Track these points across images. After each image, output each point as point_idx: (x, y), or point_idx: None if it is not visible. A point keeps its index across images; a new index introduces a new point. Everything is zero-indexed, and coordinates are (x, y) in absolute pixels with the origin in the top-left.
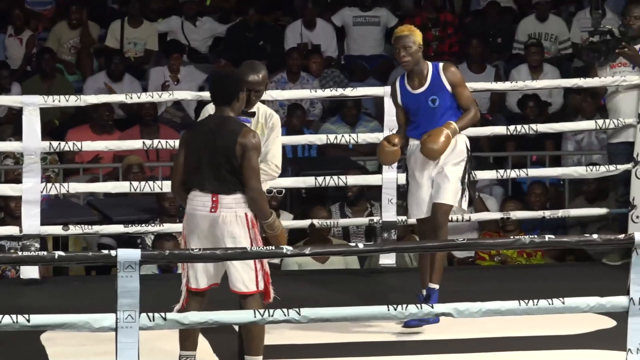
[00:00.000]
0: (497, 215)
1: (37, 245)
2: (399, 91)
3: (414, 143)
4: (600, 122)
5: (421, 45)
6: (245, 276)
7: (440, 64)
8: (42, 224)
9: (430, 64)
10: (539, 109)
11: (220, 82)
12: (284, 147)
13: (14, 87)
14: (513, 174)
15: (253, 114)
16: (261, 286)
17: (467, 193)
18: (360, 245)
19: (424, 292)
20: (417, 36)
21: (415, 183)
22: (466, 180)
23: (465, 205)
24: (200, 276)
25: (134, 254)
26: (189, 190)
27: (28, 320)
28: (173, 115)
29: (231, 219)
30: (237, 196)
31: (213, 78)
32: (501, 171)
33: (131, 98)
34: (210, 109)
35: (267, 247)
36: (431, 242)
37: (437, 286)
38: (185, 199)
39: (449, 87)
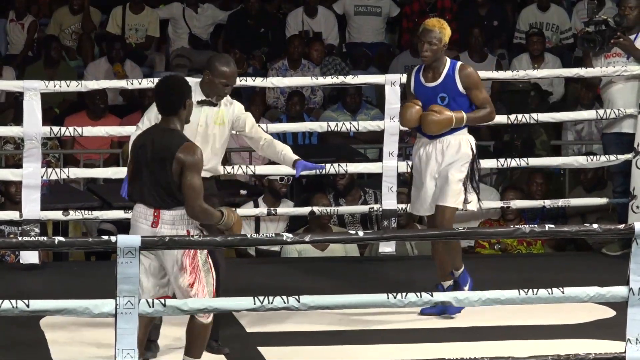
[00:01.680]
0: (497, 204)
1: (37, 230)
2: (413, 80)
3: (420, 139)
4: (600, 112)
5: (446, 44)
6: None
7: (458, 64)
8: (42, 209)
9: (448, 61)
10: (540, 98)
11: (165, 89)
12: (284, 134)
13: (7, 72)
14: (513, 163)
15: (214, 104)
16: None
17: (472, 195)
18: (361, 233)
19: (446, 283)
20: (445, 34)
21: (419, 179)
22: (469, 182)
23: (471, 206)
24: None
25: (134, 239)
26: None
27: (27, 306)
28: None
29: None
30: (178, 212)
31: (157, 85)
32: (501, 160)
33: (132, 84)
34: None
35: (265, 234)
36: (431, 230)
37: (461, 269)
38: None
39: (461, 88)
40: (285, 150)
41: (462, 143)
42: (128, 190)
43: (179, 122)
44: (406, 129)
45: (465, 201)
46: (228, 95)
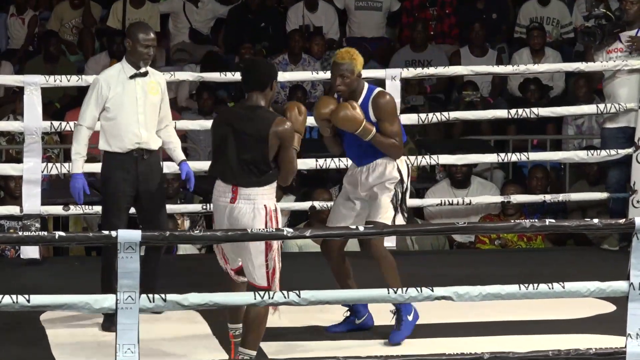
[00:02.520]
0: (497, 198)
1: (38, 225)
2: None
3: (352, 168)
4: (601, 106)
5: (360, 73)
6: (257, 273)
7: (376, 91)
8: (43, 204)
9: (366, 89)
10: (540, 93)
11: (255, 67)
12: None
13: (6, 67)
14: (514, 157)
15: (146, 74)
16: (272, 283)
17: (399, 216)
18: (361, 228)
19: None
20: (356, 65)
21: (342, 199)
22: (397, 203)
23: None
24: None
25: (134, 234)
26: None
27: (28, 301)
28: None
29: (247, 210)
30: (259, 188)
31: (247, 63)
32: (502, 155)
33: None
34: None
35: (267, 229)
36: (432, 225)
37: None
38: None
39: (373, 118)
40: (176, 145)
41: (388, 166)
42: (210, 167)
43: (264, 100)
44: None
45: (394, 220)
46: (151, 68)
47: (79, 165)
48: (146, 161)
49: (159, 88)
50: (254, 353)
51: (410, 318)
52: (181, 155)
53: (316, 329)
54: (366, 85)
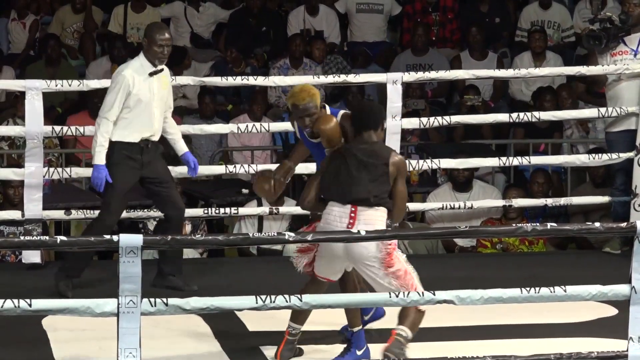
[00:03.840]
0: (499, 202)
1: (40, 229)
2: (299, 133)
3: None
4: (603, 110)
5: (322, 105)
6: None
7: (340, 114)
8: (44, 208)
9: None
10: (556, 102)
11: (370, 109)
12: (287, 134)
13: (7, 71)
14: (515, 161)
15: (162, 70)
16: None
17: None
18: (362, 232)
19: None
20: (316, 99)
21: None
22: None
23: None
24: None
25: (136, 239)
26: (325, 202)
27: (30, 305)
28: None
29: (370, 245)
30: (378, 211)
31: (361, 105)
32: (503, 158)
33: None
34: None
35: (271, 233)
36: (433, 229)
37: (358, 327)
38: (318, 209)
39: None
40: (178, 135)
41: None
42: (325, 191)
43: (377, 137)
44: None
45: None
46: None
47: (102, 157)
48: (150, 149)
49: (168, 81)
50: (410, 334)
51: (359, 353)
52: (184, 147)
53: (318, 333)
54: (328, 109)
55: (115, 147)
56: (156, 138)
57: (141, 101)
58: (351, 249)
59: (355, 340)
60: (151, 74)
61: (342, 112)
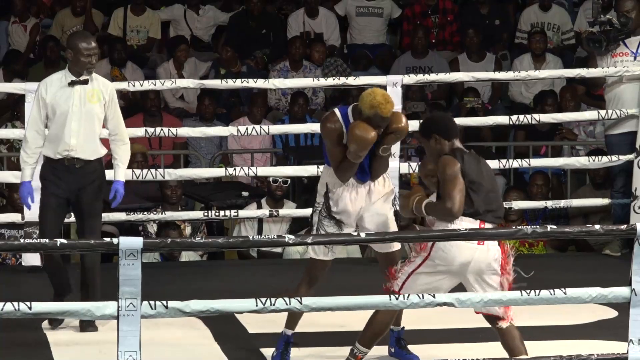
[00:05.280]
0: None
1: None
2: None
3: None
4: (602, 112)
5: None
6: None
7: (350, 108)
8: None
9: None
10: (557, 105)
11: (450, 119)
12: (287, 136)
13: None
14: (515, 163)
15: (86, 82)
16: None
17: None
18: (362, 234)
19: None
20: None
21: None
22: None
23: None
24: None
25: (136, 241)
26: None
27: (30, 308)
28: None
29: (495, 251)
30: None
31: (442, 115)
32: (503, 161)
33: (134, 86)
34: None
35: (271, 236)
36: (433, 231)
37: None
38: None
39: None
40: (120, 162)
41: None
42: (474, 207)
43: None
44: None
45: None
46: (100, 77)
47: (26, 173)
48: (79, 170)
49: (101, 96)
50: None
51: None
52: (120, 176)
53: (318, 336)
54: (337, 110)
55: (44, 161)
56: (79, 155)
57: (58, 113)
58: (479, 257)
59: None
60: (71, 84)
61: (352, 105)
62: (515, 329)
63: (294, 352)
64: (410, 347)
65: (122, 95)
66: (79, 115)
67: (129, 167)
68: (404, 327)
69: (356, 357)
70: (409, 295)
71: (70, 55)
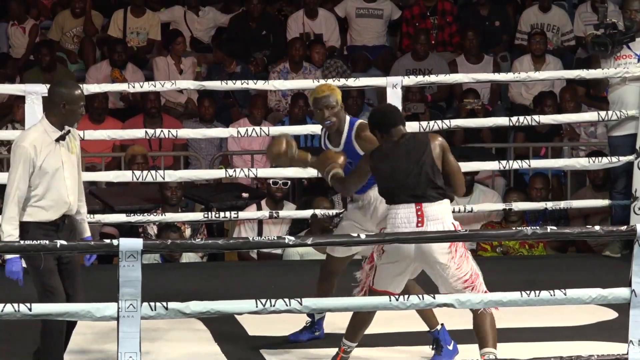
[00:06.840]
0: (499, 206)
1: None
2: (322, 143)
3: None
4: (602, 113)
5: (342, 104)
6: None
7: (357, 124)
8: None
9: (348, 120)
10: (557, 107)
11: (391, 107)
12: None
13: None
14: (515, 165)
15: (68, 132)
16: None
17: None
18: (363, 236)
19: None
20: (338, 94)
21: (349, 224)
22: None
23: None
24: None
25: (136, 243)
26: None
27: (30, 309)
28: None
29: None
30: (442, 204)
31: (382, 107)
32: (503, 162)
33: (134, 87)
34: None
35: (271, 237)
36: (433, 232)
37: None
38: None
39: (359, 150)
40: (84, 216)
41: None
42: (388, 196)
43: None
44: None
45: None
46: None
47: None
48: (66, 225)
49: (76, 144)
50: (496, 351)
51: (450, 348)
52: (86, 231)
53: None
54: (347, 116)
55: (29, 228)
56: (73, 212)
57: (50, 174)
58: (422, 247)
59: (442, 337)
60: (58, 140)
61: (359, 121)
62: (491, 316)
63: (294, 352)
64: (410, 348)
65: (122, 96)
66: (70, 170)
67: (130, 168)
68: (443, 324)
69: (340, 349)
70: (408, 296)
71: (64, 108)
